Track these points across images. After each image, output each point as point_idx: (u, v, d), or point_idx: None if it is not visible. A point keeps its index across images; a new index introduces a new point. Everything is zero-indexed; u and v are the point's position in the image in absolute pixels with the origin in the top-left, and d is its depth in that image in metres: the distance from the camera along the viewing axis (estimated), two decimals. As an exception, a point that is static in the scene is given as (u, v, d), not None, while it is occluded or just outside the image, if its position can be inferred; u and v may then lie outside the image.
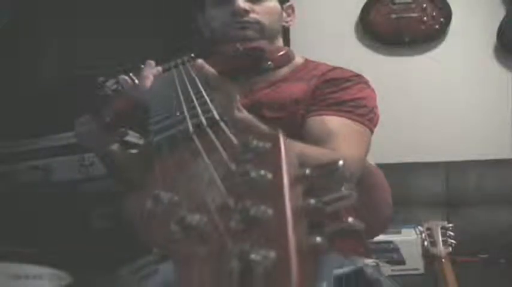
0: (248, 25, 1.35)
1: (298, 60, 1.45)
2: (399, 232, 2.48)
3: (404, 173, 2.90)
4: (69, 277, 1.86)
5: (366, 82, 1.39)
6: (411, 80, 3.06)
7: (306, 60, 1.46)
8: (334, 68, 1.40)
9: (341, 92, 1.34)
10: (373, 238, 1.70)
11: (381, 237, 2.22)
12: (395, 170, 2.91)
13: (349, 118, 1.31)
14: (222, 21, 1.37)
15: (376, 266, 1.30)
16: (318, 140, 1.26)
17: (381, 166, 2.76)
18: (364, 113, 1.33)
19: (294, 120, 1.33)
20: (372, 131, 1.35)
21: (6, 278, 1.79)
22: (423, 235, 2.06)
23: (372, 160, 1.48)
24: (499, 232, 2.69)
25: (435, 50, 3.05)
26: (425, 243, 2.03)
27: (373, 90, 1.39)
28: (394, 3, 3.00)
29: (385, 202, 1.55)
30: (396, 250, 2.45)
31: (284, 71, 1.40)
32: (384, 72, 3.03)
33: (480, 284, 2.38)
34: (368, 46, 3.08)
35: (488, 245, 2.64)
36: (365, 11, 3.03)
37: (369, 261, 1.27)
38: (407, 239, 2.46)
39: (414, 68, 3.06)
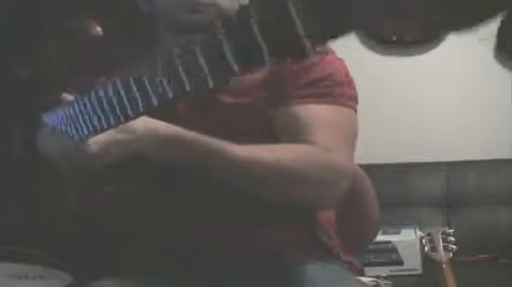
0: (202, 8, 1.09)
1: None
2: (398, 232, 2.47)
3: (404, 173, 2.90)
4: (70, 277, 1.86)
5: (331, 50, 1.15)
6: (411, 80, 3.06)
7: None
8: None
9: (307, 70, 1.10)
10: (362, 248, 1.47)
11: (380, 237, 2.22)
12: (395, 170, 2.91)
13: (328, 103, 1.10)
14: None
15: (377, 286, 1.26)
16: (295, 135, 1.07)
17: (381, 166, 2.81)
18: (343, 93, 1.11)
19: (258, 108, 1.11)
20: (356, 111, 1.13)
21: (6, 278, 1.79)
22: (424, 240, 2.05)
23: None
24: (499, 231, 2.69)
25: (435, 50, 3.04)
26: (426, 248, 2.02)
27: (338, 58, 1.15)
28: (394, 3, 2.99)
29: (373, 208, 1.37)
30: (394, 250, 2.44)
31: None
32: (383, 72, 3.03)
33: (480, 285, 2.37)
34: (368, 46, 3.07)
35: (489, 245, 2.63)
36: (365, 11, 3.03)
37: (369, 280, 1.22)
38: (406, 239, 2.45)
39: (414, 68, 3.05)
